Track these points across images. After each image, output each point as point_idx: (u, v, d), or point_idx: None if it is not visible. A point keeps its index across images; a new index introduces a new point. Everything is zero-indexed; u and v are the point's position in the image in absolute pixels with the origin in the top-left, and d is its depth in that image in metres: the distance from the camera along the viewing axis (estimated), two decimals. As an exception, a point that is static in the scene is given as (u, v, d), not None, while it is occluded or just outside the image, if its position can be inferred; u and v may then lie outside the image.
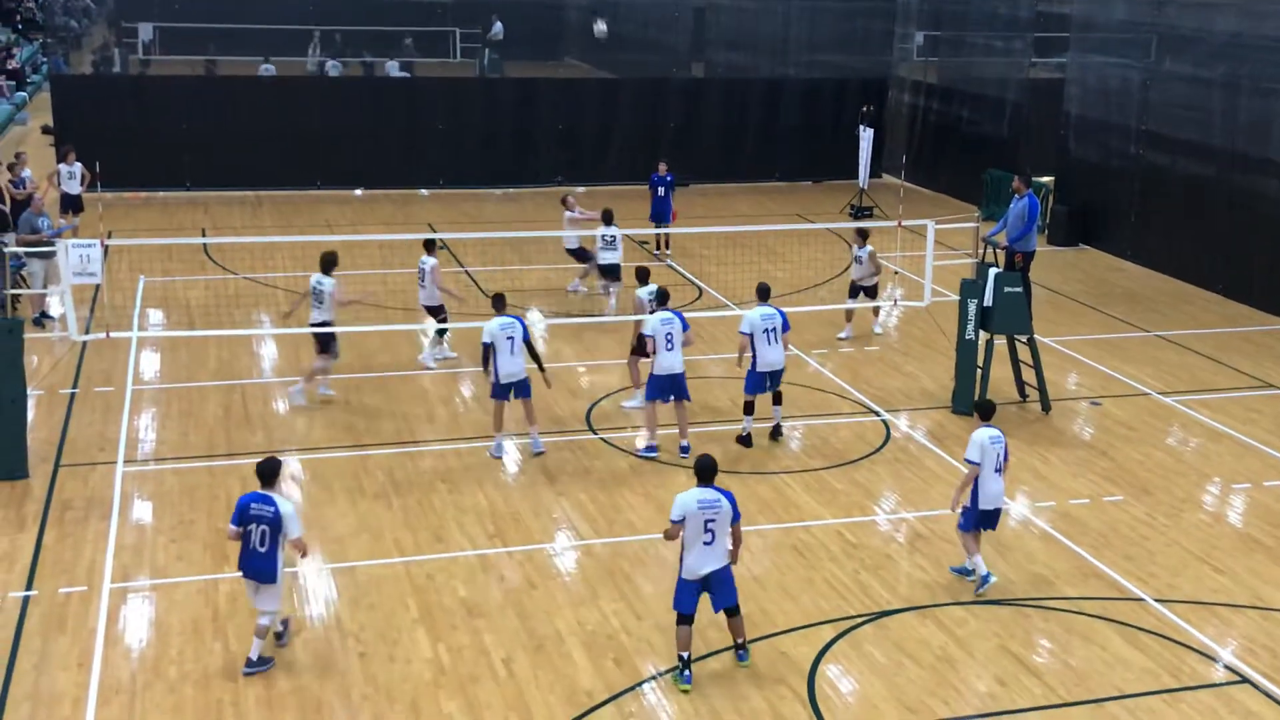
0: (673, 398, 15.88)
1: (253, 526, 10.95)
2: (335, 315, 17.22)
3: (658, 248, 25.53)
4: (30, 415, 15.51)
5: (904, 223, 19.77)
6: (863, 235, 20.37)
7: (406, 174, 31.02)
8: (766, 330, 15.86)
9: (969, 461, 12.67)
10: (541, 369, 15.93)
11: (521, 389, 15.54)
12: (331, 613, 12.19)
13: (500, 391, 15.50)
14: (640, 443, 16.13)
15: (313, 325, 17.19)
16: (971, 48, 32.69)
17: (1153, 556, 13.74)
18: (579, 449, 16.13)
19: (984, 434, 12.71)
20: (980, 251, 18.42)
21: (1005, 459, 12.80)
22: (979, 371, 17.38)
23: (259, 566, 11.00)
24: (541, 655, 11.54)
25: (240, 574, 11.24)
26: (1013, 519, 14.52)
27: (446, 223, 27.46)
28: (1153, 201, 25.89)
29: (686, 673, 11.13)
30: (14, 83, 42.64)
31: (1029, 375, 17.90)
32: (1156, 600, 12.82)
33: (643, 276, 17.63)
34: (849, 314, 20.64)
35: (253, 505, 10.98)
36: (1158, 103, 25.86)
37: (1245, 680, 11.49)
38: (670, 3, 42.61)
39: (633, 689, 11.12)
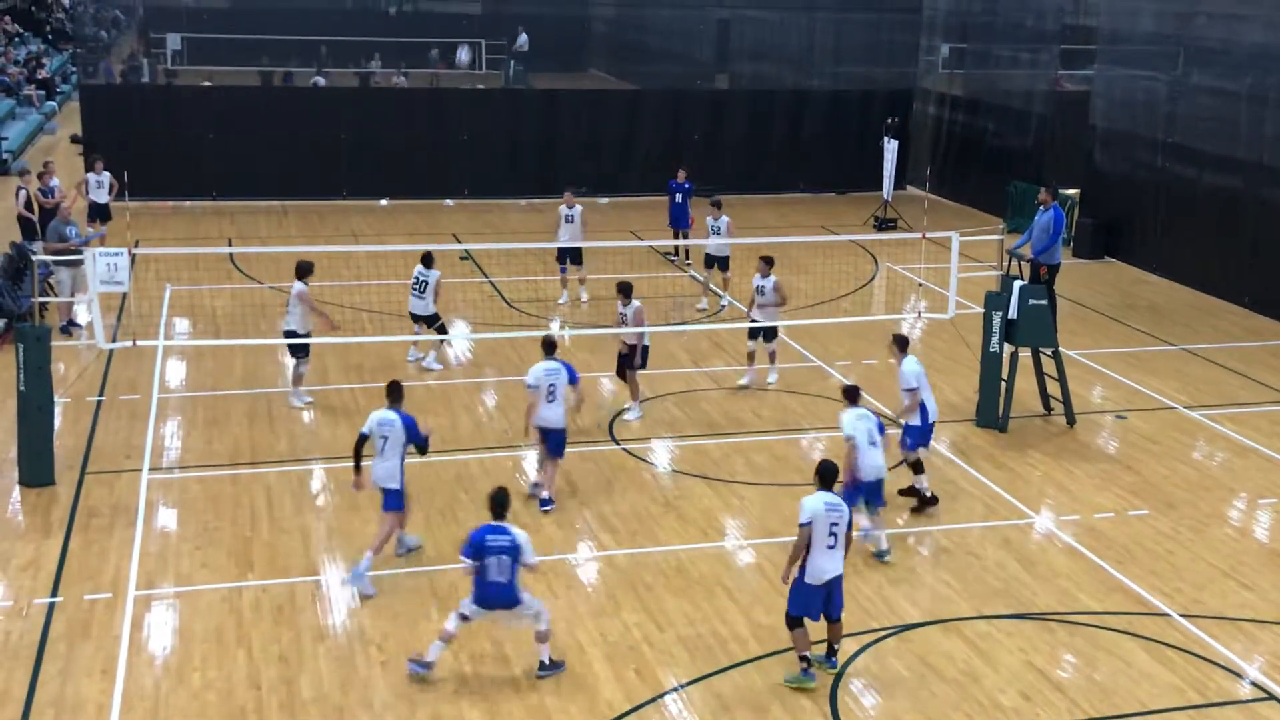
0: (548, 452, 14.60)
1: (492, 559, 10.86)
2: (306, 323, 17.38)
3: (675, 253, 25.54)
4: (57, 423, 15.60)
5: (928, 235, 19.72)
6: (768, 263, 18.19)
7: (432, 184, 31.11)
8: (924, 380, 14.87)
9: (848, 438, 13.35)
10: (425, 450, 13.32)
11: (391, 500, 12.97)
12: (354, 621, 12.21)
13: (389, 501, 13.01)
14: (530, 485, 14.99)
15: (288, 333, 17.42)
16: (997, 60, 32.63)
17: (1178, 571, 13.65)
18: (601, 460, 16.13)
19: (853, 412, 13.56)
20: (1005, 264, 18.36)
21: (882, 432, 13.51)
22: (1003, 384, 17.32)
23: (504, 595, 10.93)
24: (563, 666, 11.54)
25: (478, 609, 11.05)
26: (1037, 532, 14.47)
27: (471, 233, 27.54)
28: (1178, 214, 25.77)
29: (811, 670, 11.33)
30: (44, 92, 42.98)
31: (1054, 388, 17.83)
32: (1182, 615, 12.74)
33: (625, 291, 17.00)
34: (750, 355, 18.74)
35: (489, 537, 10.92)
36: (1184, 115, 25.76)
37: (1272, 697, 11.39)
38: (695, 14, 42.69)
39: (654, 700, 11.10)
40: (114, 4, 48.66)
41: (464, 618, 11.17)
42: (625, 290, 17.04)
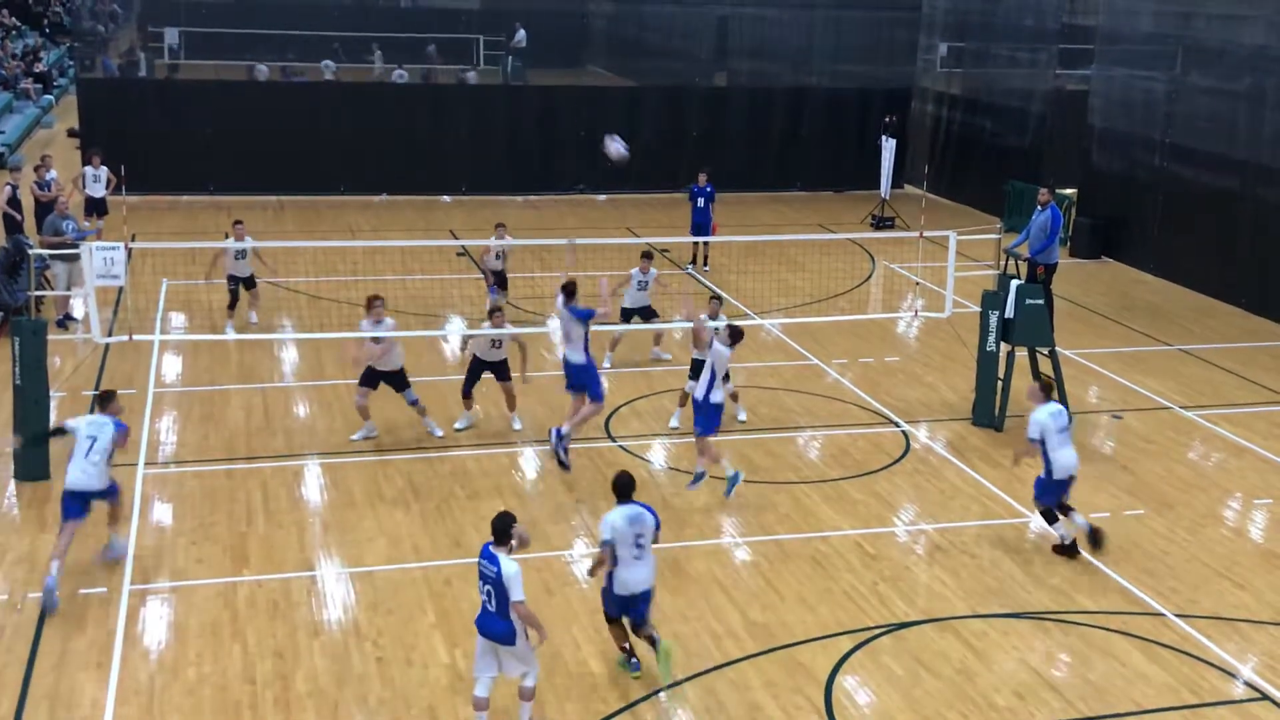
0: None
1: (480, 584, 10.25)
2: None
3: (693, 261, 25.30)
4: (53, 417, 15.57)
5: (926, 234, 19.73)
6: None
7: (430, 180, 31.13)
8: (1060, 430, 13.65)
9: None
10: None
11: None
12: (349, 617, 12.20)
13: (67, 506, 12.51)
14: None
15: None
16: (995, 59, 32.66)
17: (1173, 571, 13.66)
18: (597, 456, 16.13)
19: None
20: (1002, 263, 18.37)
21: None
22: (1000, 384, 17.33)
23: (494, 628, 10.18)
24: (558, 663, 11.52)
25: (480, 638, 10.37)
26: (1032, 532, 14.47)
27: (468, 229, 27.51)
28: (1176, 214, 25.79)
29: (634, 660, 11.39)
30: (41, 86, 42.93)
31: (1050, 388, 17.84)
32: (1177, 615, 12.75)
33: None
34: (685, 398, 16.92)
35: (481, 562, 10.16)
36: (1182, 115, 25.78)
37: (1266, 697, 11.41)
38: (694, 11, 42.63)
39: (648, 698, 11.10)
40: (112, -2, 48.67)
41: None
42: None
